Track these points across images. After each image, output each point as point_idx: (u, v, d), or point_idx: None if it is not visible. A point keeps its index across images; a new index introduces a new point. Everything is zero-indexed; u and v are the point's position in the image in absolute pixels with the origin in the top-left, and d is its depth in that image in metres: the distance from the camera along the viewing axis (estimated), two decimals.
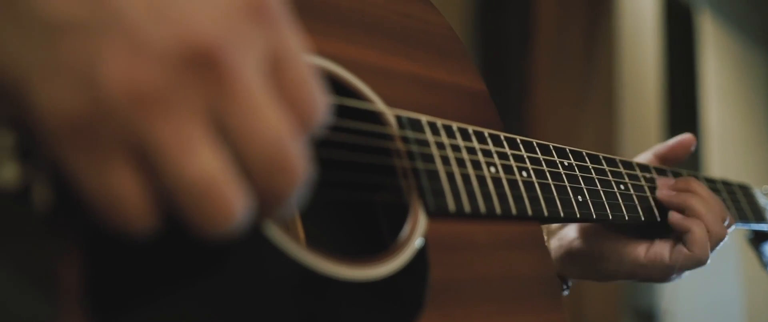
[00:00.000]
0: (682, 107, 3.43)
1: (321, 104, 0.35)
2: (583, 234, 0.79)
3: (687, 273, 0.78)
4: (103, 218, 0.32)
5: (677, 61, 3.42)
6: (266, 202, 0.34)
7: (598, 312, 2.50)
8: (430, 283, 0.50)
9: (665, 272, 0.76)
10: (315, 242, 0.55)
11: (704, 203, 0.75)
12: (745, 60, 4.14)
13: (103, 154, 0.30)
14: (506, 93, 2.36)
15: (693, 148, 0.84)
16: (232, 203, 0.31)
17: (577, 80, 2.65)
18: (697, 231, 0.73)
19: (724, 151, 3.67)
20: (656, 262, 0.75)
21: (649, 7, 3.23)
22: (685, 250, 0.74)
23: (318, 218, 0.57)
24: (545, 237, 0.81)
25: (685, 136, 0.84)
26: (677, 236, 0.75)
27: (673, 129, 3.22)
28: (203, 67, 0.31)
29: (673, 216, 0.75)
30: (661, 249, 0.75)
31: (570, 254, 0.80)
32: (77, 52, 0.30)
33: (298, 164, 0.33)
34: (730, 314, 3.36)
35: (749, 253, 1.07)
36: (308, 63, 0.35)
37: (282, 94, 0.34)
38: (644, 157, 0.85)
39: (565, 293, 0.82)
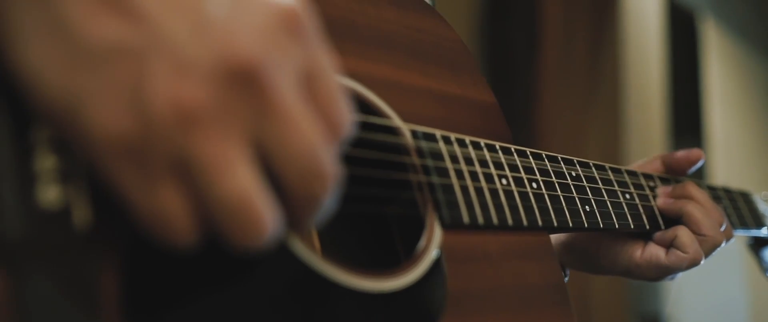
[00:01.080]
0: (686, 114, 3.44)
1: (348, 118, 0.37)
2: None
3: (690, 278, 0.79)
4: (150, 233, 0.33)
5: (681, 68, 3.42)
6: (301, 209, 0.35)
7: (604, 317, 2.51)
8: (447, 293, 0.51)
9: (661, 273, 0.77)
10: (330, 254, 0.56)
11: (701, 208, 0.76)
12: (749, 67, 4.15)
13: (152, 173, 0.32)
14: (513, 100, 2.37)
15: (700, 164, 0.84)
16: (266, 219, 0.33)
17: (583, 87, 2.66)
18: (682, 234, 0.75)
19: (727, 157, 3.67)
20: (651, 262, 0.76)
21: (654, 15, 3.24)
22: (680, 252, 0.75)
23: (332, 231, 0.58)
24: None
25: (695, 150, 0.84)
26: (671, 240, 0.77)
27: (677, 135, 3.23)
28: (245, 84, 0.32)
29: (656, 236, 0.76)
30: (657, 250, 0.76)
31: (567, 246, 0.82)
32: (125, 75, 0.31)
33: (331, 171, 0.35)
34: (734, 319, 3.36)
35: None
36: (338, 78, 0.37)
37: (315, 107, 0.35)
38: (649, 162, 0.86)
39: (565, 279, 0.82)
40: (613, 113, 2.72)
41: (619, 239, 0.78)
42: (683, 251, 0.75)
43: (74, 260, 0.33)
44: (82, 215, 0.34)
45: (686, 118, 3.42)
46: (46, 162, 0.34)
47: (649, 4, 3.21)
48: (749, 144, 4.02)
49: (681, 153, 0.84)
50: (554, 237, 0.83)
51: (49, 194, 0.33)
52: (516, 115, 2.35)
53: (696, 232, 0.76)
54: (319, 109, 0.35)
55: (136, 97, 0.31)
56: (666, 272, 0.77)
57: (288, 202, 0.35)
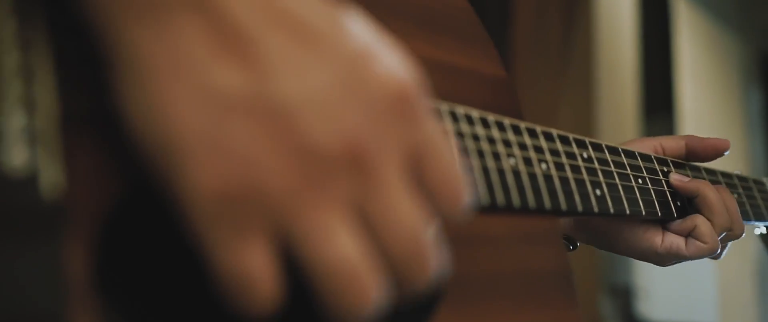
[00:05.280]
0: (657, 88, 3.48)
1: (462, 195, 0.37)
2: None
3: None
4: (225, 292, 0.32)
5: (653, 44, 3.45)
6: (401, 287, 0.35)
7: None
8: (446, 279, 0.48)
9: (678, 261, 0.79)
10: None
11: (715, 191, 0.77)
12: (719, 43, 4.19)
13: (245, 233, 0.31)
14: None
15: (724, 154, 0.84)
16: (371, 289, 0.32)
17: (555, 62, 2.66)
18: (701, 224, 0.76)
19: (698, 132, 3.72)
20: (672, 252, 0.77)
21: None
22: (699, 243, 0.76)
23: None
24: None
25: (722, 140, 0.84)
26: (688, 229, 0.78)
27: (648, 110, 3.26)
28: (354, 163, 0.32)
29: (673, 226, 0.77)
30: (678, 241, 0.77)
31: (584, 222, 0.81)
32: (240, 129, 0.30)
33: (432, 255, 0.35)
34: (703, 290, 3.43)
35: None
36: (452, 156, 0.37)
37: (424, 185, 0.35)
38: (674, 140, 0.84)
39: (572, 249, 0.83)
40: (586, 88, 2.73)
41: (639, 226, 0.79)
42: (703, 242, 0.76)
43: (41, 231, 0.30)
44: (51, 182, 0.31)
45: (658, 93, 3.46)
46: (14, 121, 0.30)
47: None
48: (719, 119, 4.08)
49: (711, 139, 0.83)
50: None
51: (15, 156, 0.30)
52: None
53: (708, 217, 0.76)
54: (429, 187, 0.36)
55: (248, 155, 0.30)
56: (683, 260, 0.79)
57: (391, 278, 0.35)
